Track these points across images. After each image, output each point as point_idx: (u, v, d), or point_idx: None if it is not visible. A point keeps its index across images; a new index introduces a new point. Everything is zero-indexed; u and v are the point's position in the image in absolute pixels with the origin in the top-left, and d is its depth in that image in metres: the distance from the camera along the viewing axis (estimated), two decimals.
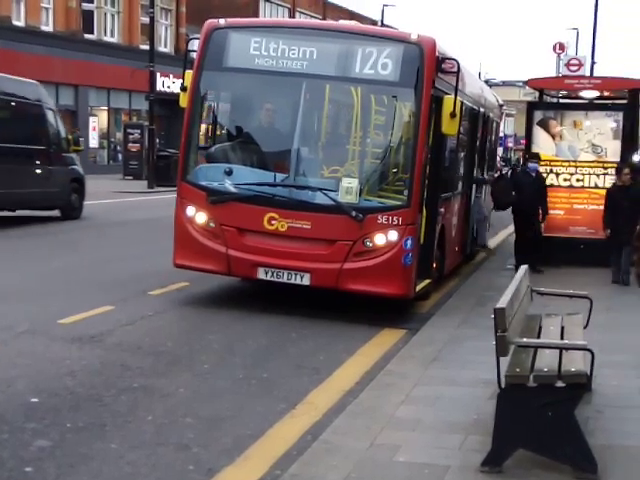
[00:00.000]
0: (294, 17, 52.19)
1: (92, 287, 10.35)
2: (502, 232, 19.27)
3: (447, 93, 9.49)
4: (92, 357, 7.31)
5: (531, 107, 14.73)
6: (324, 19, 52.61)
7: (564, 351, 5.33)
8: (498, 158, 22.82)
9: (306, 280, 9.24)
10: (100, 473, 4.89)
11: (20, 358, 7.14)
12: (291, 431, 5.76)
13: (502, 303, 5.17)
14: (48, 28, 34.04)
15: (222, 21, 9.71)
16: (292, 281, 9.28)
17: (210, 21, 9.78)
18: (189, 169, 9.65)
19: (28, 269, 11.50)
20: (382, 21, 54.80)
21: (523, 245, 13.22)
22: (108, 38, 37.41)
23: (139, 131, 34.87)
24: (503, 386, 4.98)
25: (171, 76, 37.76)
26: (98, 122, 37.46)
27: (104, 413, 5.89)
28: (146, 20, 33.80)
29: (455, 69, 9.57)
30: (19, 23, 32.63)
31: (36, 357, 7.20)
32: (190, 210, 9.48)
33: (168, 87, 38.26)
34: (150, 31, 32.12)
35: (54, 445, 5.23)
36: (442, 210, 10.72)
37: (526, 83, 17.29)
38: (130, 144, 34.86)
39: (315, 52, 9.29)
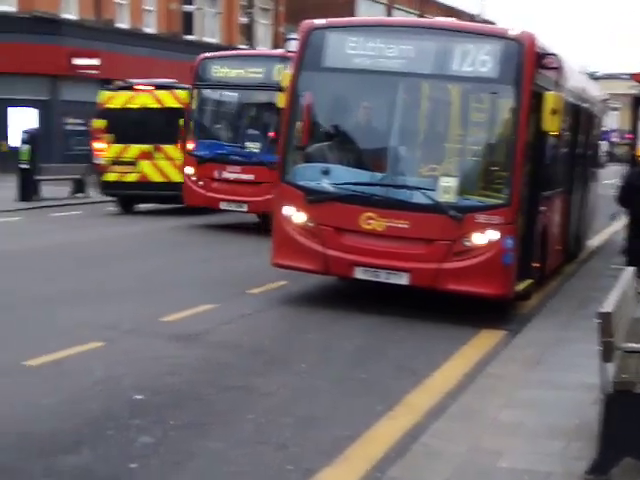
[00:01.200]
0: (391, 14, 52.03)
1: (192, 286, 10.54)
2: (606, 230, 18.76)
3: (548, 89, 9.29)
4: (193, 355, 7.45)
5: (637, 101, 14.29)
6: (422, 15, 52.24)
7: None
8: (602, 153, 22.24)
9: (404, 280, 9.19)
10: (203, 471, 4.99)
11: (125, 356, 7.33)
12: (390, 433, 5.74)
13: (608, 307, 5.02)
14: (151, 30, 34.86)
15: (320, 21, 9.75)
16: (390, 281, 9.25)
17: (308, 22, 9.82)
18: (288, 169, 9.72)
19: (127, 269, 11.78)
20: (481, 15, 54.04)
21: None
22: (208, 39, 38.01)
23: None
24: (609, 392, 4.84)
25: None
26: None
27: (206, 411, 5.99)
28: (245, 20, 34.25)
29: (556, 64, 9.36)
30: (123, 25, 33.52)
31: (140, 355, 7.38)
32: (289, 210, 9.55)
33: None
34: (249, 31, 32.55)
35: (158, 442, 5.34)
36: (543, 208, 10.50)
37: (632, 76, 16.78)
38: None
39: (413, 50, 9.24)
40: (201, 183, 16.26)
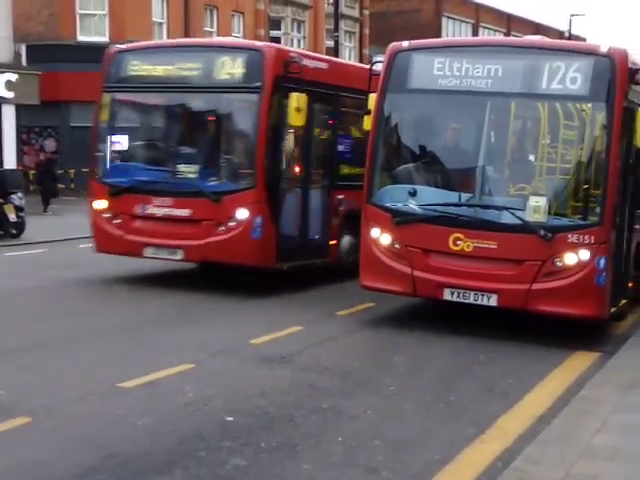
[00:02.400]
0: (478, 33, 51.76)
1: (280, 308, 10.62)
2: None
3: None
4: (282, 377, 7.50)
5: None
6: (508, 33, 51.84)
7: None
8: None
9: (493, 301, 9.07)
10: None
11: (215, 377, 7.42)
12: (481, 457, 5.66)
13: None
14: None
15: (405, 43, 9.76)
16: (479, 302, 9.14)
17: (393, 44, 9.85)
18: (374, 191, 9.73)
19: (218, 289, 11.93)
20: (570, 32, 53.23)
21: None
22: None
23: None
24: None
25: None
26: None
27: (295, 433, 6.01)
28: (331, 43, 34.53)
29: None
30: None
31: (230, 377, 7.47)
32: (375, 232, 9.55)
33: None
34: (335, 54, 32.81)
35: (248, 464, 5.38)
36: (638, 227, 10.23)
37: None
38: None
39: (500, 70, 9.15)
40: (117, 221, 11.88)
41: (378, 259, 9.52)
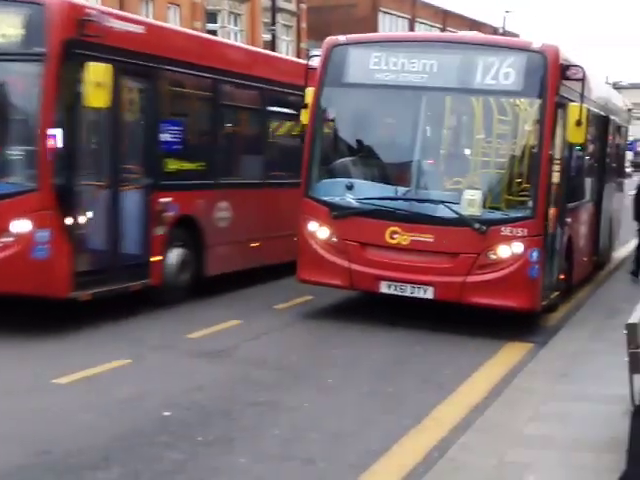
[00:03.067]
0: (414, 28, 52.14)
1: (218, 302, 10.58)
2: (633, 241, 18.60)
3: (572, 100, 9.28)
4: (220, 371, 7.48)
5: None
6: (444, 29, 52.34)
7: None
8: (628, 163, 22.10)
9: (429, 294, 9.18)
10: None
11: (152, 372, 7.38)
12: (417, 447, 5.73)
13: (635, 318, 5.00)
14: None
15: (342, 38, 9.80)
16: (415, 295, 9.24)
17: (330, 38, 9.88)
18: (311, 185, 9.76)
19: None
20: (504, 28, 54.00)
21: None
22: None
23: None
24: (637, 404, 4.80)
25: None
26: None
27: (232, 427, 6.01)
28: (268, 37, 34.45)
29: (580, 76, 9.34)
30: None
31: (167, 371, 7.43)
32: (313, 225, 9.58)
33: None
34: (272, 48, 32.74)
35: (185, 458, 5.36)
36: (569, 220, 10.46)
37: None
38: None
39: (435, 65, 9.26)
40: None
41: (315, 253, 9.55)
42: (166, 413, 6.21)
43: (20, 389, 6.68)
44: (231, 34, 38.60)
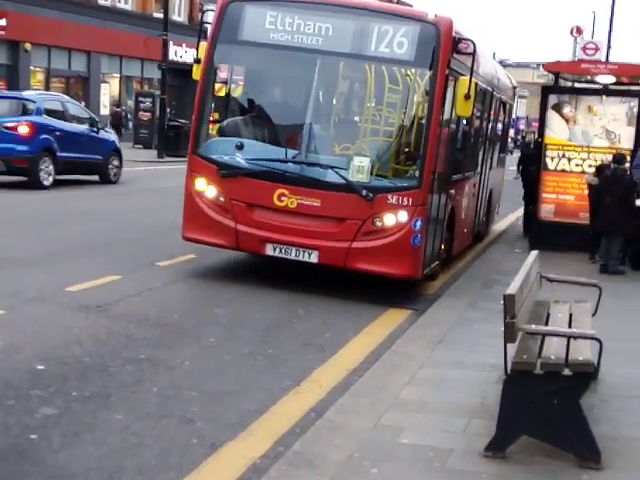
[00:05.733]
0: None
1: (99, 256, 10.35)
2: (511, 215, 19.23)
3: (462, 74, 9.43)
4: (99, 326, 7.33)
5: (546, 91, 14.63)
6: None
7: (572, 339, 5.32)
8: (509, 140, 22.73)
9: (314, 258, 9.23)
10: (104, 443, 4.92)
11: (27, 325, 7.16)
12: (295, 408, 5.78)
13: (512, 289, 5.16)
14: None
15: None
16: (300, 258, 9.28)
17: None
18: (200, 142, 9.62)
19: (28, 237, 11.47)
20: None
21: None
22: (122, 5, 37.16)
23: (150, 100, 34.76)
24: (509, 372, 4.97)
25: (184, 45, 37.59)
26: (109, 90, 37.33)
27: (110, 383, 5.91)
28: None
29: (471, 50, 9.49)
30: None
31: (43, 324, 7.22)
32: (200, 183, 9.46)
33: (181, 57, 38.11)
34: (164, 2, 31.95)
35: (59, 413, 5.25)
36: (452, 192, 10.68)
37: (542, 66, 17.20)
38: (141, 113, 34.75)
39: (330, 28, 9.22)
40: None
41: (202, 211, 9.44)
42: (40, 367, 6.05)
43: None
44: None
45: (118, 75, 37.83)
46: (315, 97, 9.33)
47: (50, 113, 18.09)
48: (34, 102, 18.00)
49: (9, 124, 17.11)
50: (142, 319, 7.69)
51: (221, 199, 9.39)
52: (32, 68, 32.33)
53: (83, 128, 19.16)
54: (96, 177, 19.64)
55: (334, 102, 9.84)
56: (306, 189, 9.14)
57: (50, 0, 32.25)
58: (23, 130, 17.17)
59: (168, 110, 33.62)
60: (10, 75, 31.06)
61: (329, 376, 6.57)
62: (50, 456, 4.68)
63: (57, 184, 17.92)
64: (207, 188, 9.43)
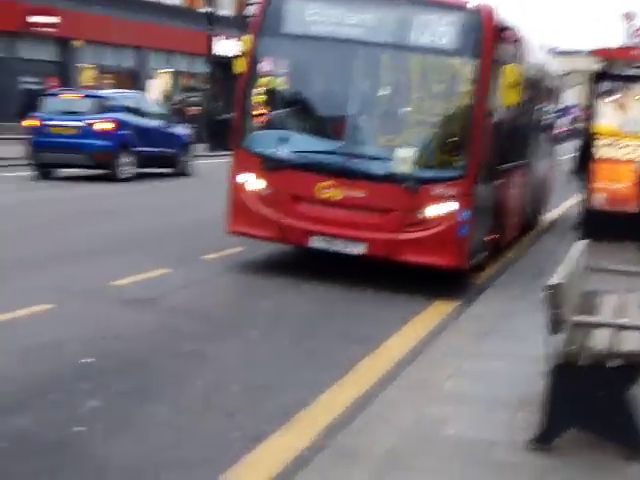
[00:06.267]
0: None
1: (146, 250, 10.44)
2: (562, 204, 18.94)
3: (506, 62, 9.30)
4: (145, 320, 7.40)
5: (596, 77, 14.35)
6: None
7: (620, 329, 5.21)
8: (561, 128, 22.41)
9: (360, 249, 9.19)
10: (148, 436, 4.95)
11: (74, 319, 7.25)
12: (338, 401, 5.75)
13: (557, 279, 5.06)
14: None
15: None
16: (345, 250, 9.24)
17: None
18: (245, 135, 9.64)
19: (77, 232, 11.63)
20: None
21: None
22: (169, 0, 37.43)
23: (199, 94, 35.00)
24: (555, 364, 4.89)
25: (230, 39, 37.73)
26: (158, 85, 37.64)
27: (154, 376, 5.96)
28: None
29: (515, 37, 9.36)
30: None
31: (90, 318, 7.31)
32: (245, 177, 9.48)
33: (226, 50, 38.26)
34: None
35: (104, 406, 5.30)
36: (499, 182, 10.55)
37: (592, 52, 16.89)
38: (190, 107, 34.99)
39: (373, 19, 9.19)
40: None
41: (246, 204, 9.46)
42: (85, 360, 6.11)
43: None
44: None
45: (166, 70, 38.12)
46: (359, 88, 9.29)
47: (128, 110, 19.09)
48: (114, 99, 19.12)
49: (91, 121, 18.10)
50: (187, 312, 7.74)
51: (265, 192, 9.39)
52: (81, 65, 32.78)
53: (158, 123, 20.10)
54: (170, 170, 20.50)
55: (378, 93, 9.76)
56: (351, 181, 9.10)
57: None
58: (105, 126, 18.20)
59: (217, 104, 33.82)
60: (61, 72, 31.53)
61: (373, 368, 6.53)
62: (95, 449, 4.73)
63: (135, 177, 18.75)
64: (251, 181, 9.44)
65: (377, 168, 9.09)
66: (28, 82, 29.84)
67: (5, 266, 9.01)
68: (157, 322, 7.35)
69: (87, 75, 33.03)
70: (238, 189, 9.54)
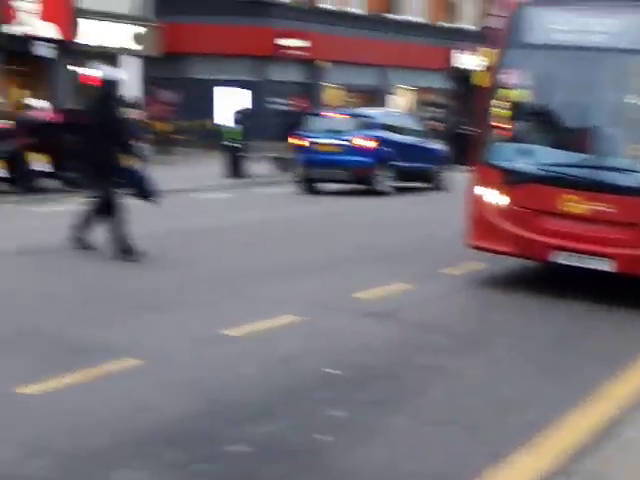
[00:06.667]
0: None
1: (385, 264, 10.56)
2: None
3: None
4: (387, 333, 7.51)
5: None
6: None
7: None
8: None
9: (610, 266, 8.75)
10: (388, 447, 5.01)
11: (320, 330, 7.48)
12: (585, 423, 5.52)
13: None
14: (356, 10, 35.17)
15: None
16: (593, 267, 8.86)
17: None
18: (486, 149, 9.54)
19: (319, 246, 11.98)
20: None
21: None
22: (413, 17, 37.79)
23: (442, 110, 35.10)
24: None
25: (470, 52, 37.51)
26: (400, 101, 38.14)
27: (397, 389, 6.02)
28: None
29: None
30: (329, 6, 34.02)
31: (335, 330, 7.51)
32: (485, 191, 9.38)
33: (466, 64, 38.11)
34: (454, 8, 32.12)
35: (348, 416, 5.42)
36: None
37: None
38: (432, 122, 35.12)
39: (619, 26, 8.80)
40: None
41: (486, 219, 9.35)
42: (331, 370, 6.29)
43: (197, 337, 6.98)
44: None
45: (407, 86, 38.51)
46: (604, 97, 8.92)
47: (388, 127, 20.01)
48: (374, 118, 20.18)
49: (353, 139, 19.13)
50: (430, 327, 7.77)
51: (507, 206, 9.23)
52: (326, 84, 33.91)
53: (416, 139, 20.77)
54: (427, 184, 21.11)
55: (624, 102, 9.32)
56: (597, 194, 8.73)
57: (346, 19, 33.66)
58: (366, 143, 19.17)
59: (458, 119, 33.71)
60: (306, 92, 32.81)
61: (623, 391, 6.21)
62: (337, 458, 4.84)
63: (394, 191, 19.60)
64: (493, 195, 9.32)
65: (626, 180, 8.67)
66: (276, 103, 31.29)
67: (258, 275, 9.54)
68: (399, 335, 7.44)
69: (331, 94, 34.11)
70: (479, 203, 9.46)
